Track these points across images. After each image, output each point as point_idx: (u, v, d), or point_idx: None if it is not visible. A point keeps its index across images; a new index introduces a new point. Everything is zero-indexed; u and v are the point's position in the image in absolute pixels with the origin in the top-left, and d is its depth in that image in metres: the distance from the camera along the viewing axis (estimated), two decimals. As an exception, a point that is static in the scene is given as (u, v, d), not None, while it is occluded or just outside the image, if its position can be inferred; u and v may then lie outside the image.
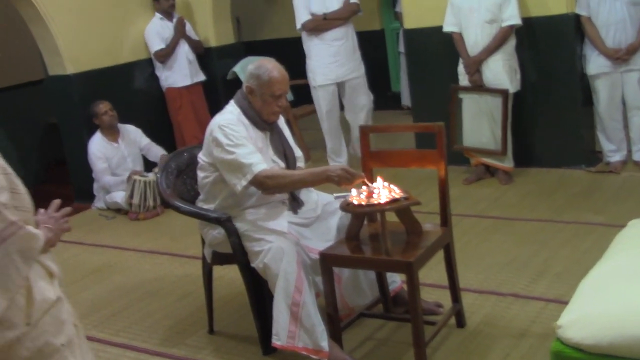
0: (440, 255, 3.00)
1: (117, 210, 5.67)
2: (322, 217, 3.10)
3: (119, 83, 6.17)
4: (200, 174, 3.12)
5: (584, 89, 5.13)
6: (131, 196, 5.41)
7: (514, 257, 3.83)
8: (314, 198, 3.16)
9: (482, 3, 4.87)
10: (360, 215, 2.87)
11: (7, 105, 6.80)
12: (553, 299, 3.29)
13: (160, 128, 6.31)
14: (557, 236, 4.04)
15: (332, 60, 5.53)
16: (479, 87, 5.01)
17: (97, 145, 5.68)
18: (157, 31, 6.23)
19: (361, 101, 5.64)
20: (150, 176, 5.44)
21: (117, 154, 5.73)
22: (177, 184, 3.34)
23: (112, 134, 5.74)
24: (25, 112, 7.01)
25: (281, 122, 3.23)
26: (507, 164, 5.13)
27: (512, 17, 4.85)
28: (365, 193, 2.77)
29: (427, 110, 5.63)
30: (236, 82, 6.09)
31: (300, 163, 3.21)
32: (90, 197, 5.87)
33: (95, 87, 5.90)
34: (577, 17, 4.99)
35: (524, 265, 3.71)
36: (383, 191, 2.76)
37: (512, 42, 4.97)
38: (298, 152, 3.24)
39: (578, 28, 5.03)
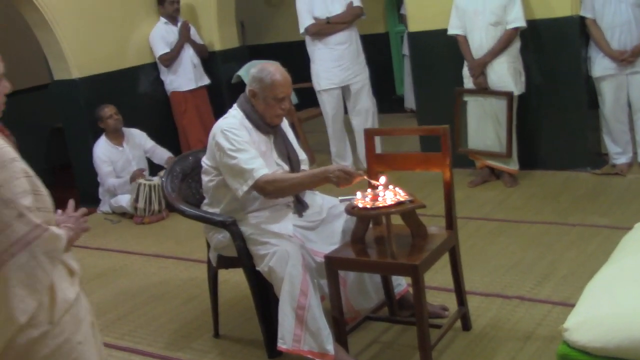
0: (445, 258, 2.99)
1: (123, 214, 5.68)
2: (327, 220, 3.09)
3: (124, 87, 6.18)
4: (205, 178, 3.13)
5: (589, 91, 5.12)
6: (136, 200, 5.41)
7: (520, 259, 3.83)
8: (319, 201, 3.16)
9: (486, 6, 4.87)
10: (365, 218, 2.86)
11: (12, 110, 6.74)
12: (559, 301, 3.28)
13: (165, 132, 6.32)
14: (562, 239, 4.03)
15: (335, 65, 5.52)
16: (483, 89, 5.01)
17: (102, 149, 5.70)
18: (161, 35, 6.24)
19: (365, 105, 5.63)
20: (156, 180, 5.45)
21: (122, 158, 5.75)
22: (182, 188, 3.35)
23: (117, 137, 5.76)
24: (30, 117, 7.03)
25: (285, 125, 3.23)
26: (512, 166, 5.12)
27: (517, 19, 4.84)
28: (370, 196, 2.77)
29: (432, 113, 5.64)
30: (241, 86, 6.09)
31: (305, 166, 3.21)
32: (96, 201, 5.88)
33: (100, 91, 5.91)
34: (582, 20, 4.98)
35: (529, 268, 3.70)
36: (388, 194, 2.76)
37: (516, 45, 4.96)
38: (302, 155, 3.24)
39: (583, 30, 5.02)
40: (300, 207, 3.09)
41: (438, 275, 3.57)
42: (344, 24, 5.46)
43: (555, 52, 5.12)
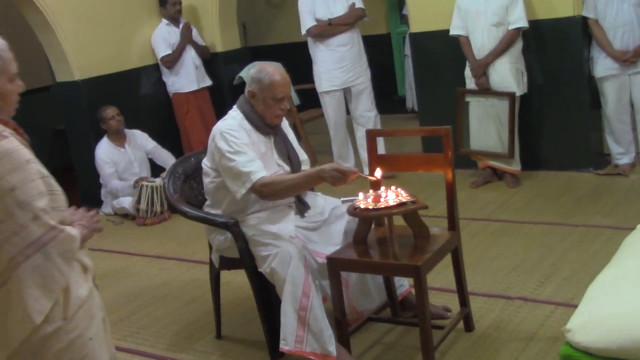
0: (448, 259, 2.99)
1: (125, 215, 5.69)
2: (329, 221, 3.09)
3: (126, 89, 6.19)
4: (205, 180, 3.14)
5: (591, 91, 5.12)
6: (138, 201, 5.42)
7: (522, 260, 3.82)
8: (321, 202, 3.16)
9: (488, 6, 4.87)
10: (367, 219, 2.86)
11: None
12: (562, 302, 3.27)
13: (167, 133, 6.32)
14: (565, 239, 4.02)
15: (337, 67, 5.49)
16: (485, 90, 5.00)
17: (104, 150, 5.71)
18: (163, 37, 6.25)
19: (366, 107, 5.61)
20: (158, 181, 5.46)
21: (124, 159, 5.76)
22: (184, 189, 3.35)
23: (119, 139, 5.76)
24: (32, 119, 6.97)
25: (285, 125, 3.23)
26: (515, 167, 5.12)
27: (519, 19, 4.84)
28: (372, 197, 2.77)
29: (434, 114, 5.63)
30: (242, 87, 6.08)
31: (306, 166, 3.21)
32: (98, 203, 5.89)
33: (102, 93, 5.92)
34: (584, 20, 4.98)
35: (532, 268, 3.70)
36: (390, 195, 2.76)
37: (518, 45, 4.96)
38: (303, 156, 3.24)
39: (585, 30, 5.02)
40: (301, 207, 3.09)
41: (440, 276, 3.56)
42: (345, 25, 5.43)
43: (557, 52, 5.12)
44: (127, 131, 5.82)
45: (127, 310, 3.91)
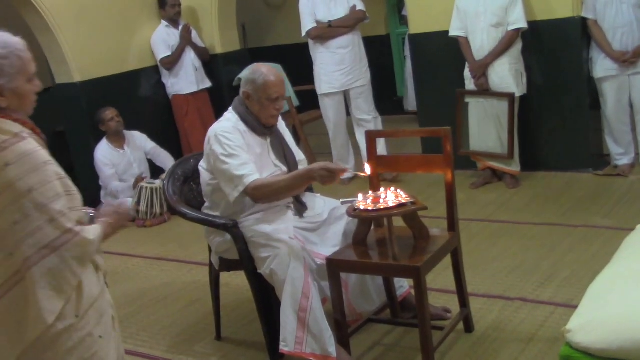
0: (447, 260, 2.99)
1: (124, 217, 5.67)
2: (329, 222, 3.09)
3: (125, 91, 6.19)
4: (202, 182, 3.14)
5: (590, 92, 5.12)
6: (138, 203, 5.42)
7: (522, 261, 3.82)
8: (321, 203, 3.16)
9: (488, 7, 4.87)
10: (367, 220, 2.86)
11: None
12: (561, 303, 3.27)
13: (167, 135, 6.32)
14: (565, 240, 4.02)
15: (336, 69, 5.47)
16: (485, 91, 5.01)
17: (104, 152, 5.71)
18: (163, 39, 6.25)
19: (365, 110, 5.58)
20: (157, 183, 5.46)
21: (123, 160, 5.76)
22: (184, 191, 3.35)
23: (118, 140, 5.77)
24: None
25: (282, 126, 3.23)
26: (514, 167, 5.12)
27: (518, 20, 4.84)
28: (372, 198, 2.77)
29: (433, 115, 5.64)
30: (242, 89, 6.10)
31: (303, 166, 3.21)
32: (97, 205, 5.87)
33: (102, 95, 5.92)
34: (583, 21, 4.98)
35: (531, 269, 3.70)
36: (390, 196, 2.76)
37: (518, 46, 4.96)
38: (300, 156, 3.24)
39: (584, 31, 5.02)
40: (300, 207, 3.10)
41: (440, 277, 3.57)
42: (346, 27, 5.41)
43: (556, 53, 5.12)
44: (126, 132, 5.82)
45: (126, 312, 3.91)
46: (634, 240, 2.61)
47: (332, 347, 2.77)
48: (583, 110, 5.16)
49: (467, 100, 5.16)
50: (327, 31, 5.41)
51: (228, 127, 2.99)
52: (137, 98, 6.31)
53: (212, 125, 3.07)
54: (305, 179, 2.87)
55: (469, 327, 3.12)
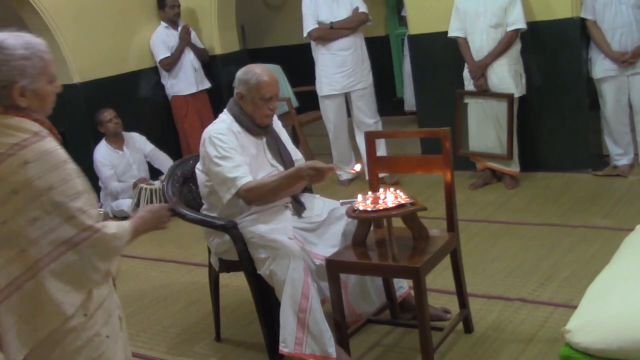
0: (447, 260, 2.99)
1: (124, 218, 5.68)
2: (328, 222, 3.09)
3: (125, 92, 6.19)
4: (199, 184, 3.15)
5: (590, 92, 5.12)
6: (137, 204, 5.41)
7: (521, 262, 3.82)
8: (320, 204, 3.16)
9: (487, 7, 4.87)
10: (366, 221, 2.86)
11: None
12: (561, 303, 3.27)
13: (166, 136, 6.32)
14: (564, 240, 4.03)
15: (337, 71, 5.44)
16: (484, 91, 5.01)
17: (102, 153, 5.71)
18: (162, 40, 6.25)
19: (367, 113, 5.54)
20: (157, 184, 5.46)
21: (122, 161, 5.76)
22: (183, 192, 3.35)
23: (117, 141, 5.77)
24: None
25: (278, 126, 3.23)
26: (513, 168, 5.12)
27: (517, 21, 4.85)
28: (371, 199, 2.77)
29: (433, 116, 5.64)
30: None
31: None
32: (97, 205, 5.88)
33: (101, 96, 5.92)
34: (582, 21, 4.98)
35: (531, 270, 3.70)
36: (389, 197, 2.76)
37: (517, 47, 4.96)
38: (297, 155, 3.24)
39: (584, 32, 5.02)
40: (298, 207, 3.10)
41: (440, 277, 3.56)
42: (348, 29, 5.36)
43: (555, 53, 5.12)
44: (125, 134, 5.82)
45: (126, 312, 3.86)
46: (633, 240, 2.61)
47: (331, 348, 2.77)
48: (582, 111, 5.16)
49: (467, 100, 5.16)
50: (329, 32, 5.38)
51: (222, 129, 3.00)
52: (136, 99, 6.31)
53: (207, 127, 3.08)
54: (294, 178, 2.87)
55: (468, 328, 3.12)
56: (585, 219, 4.31)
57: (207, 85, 6.45)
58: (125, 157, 5.78)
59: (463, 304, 3.10)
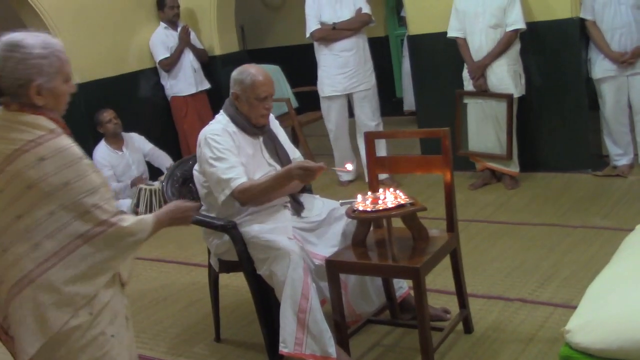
0: (447, 261, 2.99)
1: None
2: (328, 222, 3.09)
3: (124, 92, 6.19)
4: (197, 185, 3.15)
5: (589, 93, 5.12)
6: (137, 205, 5.41)
7: (521, 262, 3.82)
8: (319, 204, 3.16)
9: (486, 8, 4.87)
10: (366, 221, 2.86)
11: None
12: (561, 303, 3.27)
13: (166, 136, 6.32)
14: (564, 241, 4.03)
15: (339, 72, 5.41)
16: (483, 92, 5.01)
17: (102, 154, 5.70)
18: (161, 40, 6.26)
19: (369, 115, 5.51)
20: (156, 185, 5.46)
21: (121, 162, 5.75)
22: (183, 192, 3.35)
23: (117, 142, 5.76)
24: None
25: (275, 125, 3.23)
26: (513, 168, 5.12)
27: (517, 21, 4.85)
28: (371, 199, 2.77)
29: (432, 116, 5.63)
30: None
31: None
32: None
33: (101, 96, 5.92)
34: (581, 21, 4.98)
35: (531, 270, 3.70)
36: (389, 197, 2.76)
37: (516, 47, 4.96)
38: (295, 154, 3.25)
39: (583, 32, 5.02)
40: (297, 206, 3.10)
41: (439, 278, 3.56)
42: (350, 30, 5.34)
43: (555, 54, 5.12)
44: (125, 134, 5.82)
45: (126, 313, 3.90)
46: (633, 240, 2.61)
47: (332, 348, 2.77)
48: (582, 111, 5.16)
49: (466, 101, 5.16)
50: (331, 33, 5.35)
51: (217, 130, 3.00)
52: (136, 99, 6.31)
53: (204, 128, 3.08)
54: (285, 178, 2.87)
55: (468, 328, 3.12)
56: (585, 219, 4.31)
57: (206, 85, 6.45)
58: (125, 158, 5.78)
59: (463, 304, 3.10)
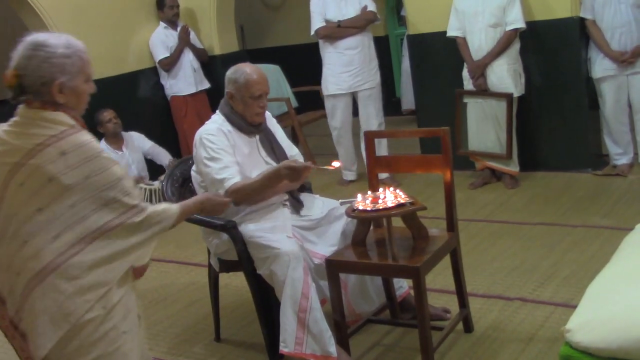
0: (447, 260, 2.99)
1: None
2: (327, 221, 3.09)
3: (124, 92, 6.18)
4: (195, 185, 3.16)
5: (589, 92, 5.12)
6: (137, 205, 5.41)
7: (521, 261, 3.82)
8: (319, 204, 3.16)
9: (486, 7, 4.87)
10: (366, 220, 2.86)
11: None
12: (561, 303, 3.27)
13: (166, 136, 6.32)
14: (564, 240, 4.02)
15: (344, 70, 5.38)
16: (483, 91, 5.00)
17: (102, 153, 5.70)
18: (161, 40, 6.26)
19: (372, 114, 5.50)
20: (156, 184, 5.46)
21: (121, 162, 5.74)
22: (183, 192, 3.35)
23: (117, 142, 5.76)
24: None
25: (272, 123, 3.23)
26: (513, 167, 5.12)
27: (516, 20, 4.84)
28: (370, 198, 2.77)
29: (432, 115, 5.63)
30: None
31: (299, 160, 3.20)
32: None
33: (100, 96, 5.79)
34: (581, 21, 4.98)
35: (531, 269, 3.69)
36: (389, 196, 2.76)
37: (516, 46, 4.96)
38: (293, 151, 3.24)
39: (583, 31, 5.02)
40: (296, 204, 3.10)
41: (439, 277, 3.56)
42: (355, 28, 5.31)
43: (555, 53, 5.12)
44: (124, 134, 5.81)
45: (126, 313, 3.90)
46: (633, 239, 2.61)
47: (332, 347, 2.77)
48: (582, 110, 5.16)
49: (466, 100, 5.16)
50: (336, 31, 5.32)
51: (212, 129, 3.01)
52: (135, 99, 6.31)
53: (200, 128, 3.08)
54: (274, 177, 2.86)
55: (468, 327, 3.12)
56: (585, 219, 4.31)
57: (206, 85, 6.45)
58: (125, 158, 5.77)
59: (463, 303, 3.10)
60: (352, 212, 2.79)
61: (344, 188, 5.60)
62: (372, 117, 5.50)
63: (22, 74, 1.99)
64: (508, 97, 4.91)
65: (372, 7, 5.38)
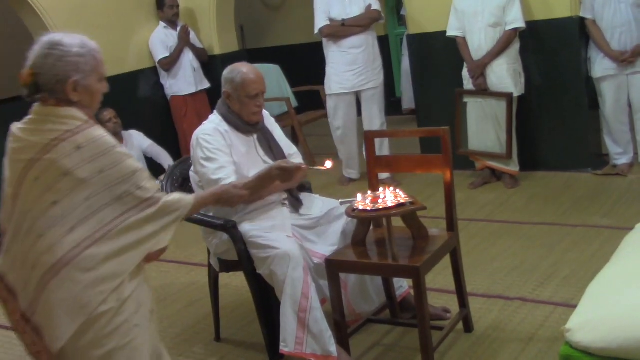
0: (447, 260, 2.99)
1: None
2: (327, 221, 3.09)
3: (124, 92, 6.18)
4: (193, 184, 3.16)
5: (589, 92, 5.12)
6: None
7: (521, 261, 3.82)
8: (319, 203, 3.16)
9: (486, 7, 4.87)
10: (366, 220, 2.86)
11: (13, 116, 6.77)
12: (561, 302, 3.27)
13: (166, 136, 6.32)
14: (564, 240, 4.02)
15: (347, 69, 5.36)
16: (483, 91, 5.00)
17: (102, 153, 5.69)
18: (161, 40, 6.26)
19: (374, 114, 5.48)
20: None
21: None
22: (182, 192, 3.34)
23: (117, 141, 5.75)
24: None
25: (270, 122, 3.23)
26: (513, 167, 5.12)
27: (516, 20, 4.84)
28: (370, 198, 2.77)
29: (432, 115, 5.64)
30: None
31: (298, 159, 3.20)
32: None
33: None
34: (581, 20, 4.98)
35: (531, 269, 3.69)
36: (389, 196, 2.76)
37: (516, 46, 4.96)
38: (291, 149, 3.24)
39: (583, 31, 5.02)
40: (295, 202, 3.10)
41: (439, 277, 3.56)
42: (359, 27, 5.29)
43: (555, 53, 5.12)
44: (124, 133, 5.80)
45: (126, 313, 3.90)
46: (633, 239, 2.61)
47: (332, 347, 2.77)
48: (582, 110, 5.16)
49: (466, 100, 5.16)
50: (340, 30, 5.30)
51: (209, 129, 3.01)
52: (135, 99, 6.30)
53: (197, 128, 3.08)
54: (266, 178, 2.84)
55: (468, 327, 3.12)
56: (585, 218, 4.31)
57: (206, 85, 6.45)
58: (125, 157, 5.77)
59: (463, 303, 3.10)
60: (352, 212, 2.79)
61: (344, 188, 5.59)
62: (375, 117, 5.49)
63: (38, 72, 2.03)
64: (508, 96, 4.91)
65: (376, 5, 5.35)
